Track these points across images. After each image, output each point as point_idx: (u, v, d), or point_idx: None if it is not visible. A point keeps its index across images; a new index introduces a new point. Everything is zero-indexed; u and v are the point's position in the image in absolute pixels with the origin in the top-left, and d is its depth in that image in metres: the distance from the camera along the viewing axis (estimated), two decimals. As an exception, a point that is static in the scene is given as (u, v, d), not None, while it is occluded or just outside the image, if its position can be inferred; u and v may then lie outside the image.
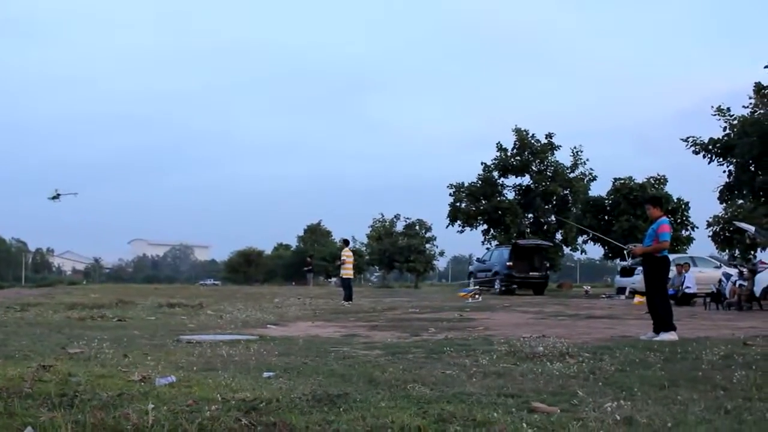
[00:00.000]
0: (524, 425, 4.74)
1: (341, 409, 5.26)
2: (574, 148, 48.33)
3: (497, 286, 37.61)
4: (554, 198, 47.88)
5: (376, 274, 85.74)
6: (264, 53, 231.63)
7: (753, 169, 34.98)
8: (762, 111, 34.10)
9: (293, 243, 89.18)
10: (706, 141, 36.04)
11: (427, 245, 67.32)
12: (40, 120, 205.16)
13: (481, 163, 48.54)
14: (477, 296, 26.55)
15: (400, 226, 68.50)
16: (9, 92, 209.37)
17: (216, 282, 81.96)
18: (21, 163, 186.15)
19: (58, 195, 53.22)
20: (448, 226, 49.58)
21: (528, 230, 47.51)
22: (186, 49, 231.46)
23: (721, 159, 36.03)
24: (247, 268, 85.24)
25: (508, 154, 48.07)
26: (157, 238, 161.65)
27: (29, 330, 13.42)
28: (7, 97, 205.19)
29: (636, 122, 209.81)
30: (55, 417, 4.85)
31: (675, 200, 42.65)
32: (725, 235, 38.63)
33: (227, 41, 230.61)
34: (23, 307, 19.84)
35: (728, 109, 35.48)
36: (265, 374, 7.25)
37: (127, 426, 4.57)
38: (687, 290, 25.15)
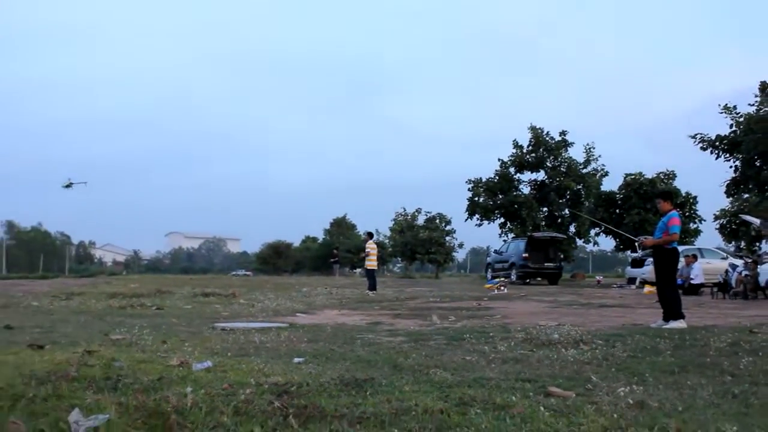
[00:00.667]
0: (541, 408, 4.73)
1: (368, 393, 5.27)
2: (587, 145, 48.11)
3: (513, 276, 37.53)
4: (568, 193, 47.64)
5: (398, 265, 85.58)
6: (285, 55, 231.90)
7: (758, 164, 34.85)
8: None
9: (320, 236, 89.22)
10: (713, 138, 35.89)
11: (447, 238, 67.02)
12: (84, 119, 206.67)
13: (498, 160, 48.43)
14: (503, 288, 26.43)
15: (421, 220, 68.26)
16: (53, 93, 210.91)
17: (247, 273, 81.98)
18: (65, 161, 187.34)
19: (71, 184, 54.56)
20: (466, 220, 49.45)
21: (543, 223, 47.28)
22: (214, 50, 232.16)
23: (727, 155, 35.91)
24: (276, 259, 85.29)
25: (524, 151, 47.85)
26: (193, 231, 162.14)
27: (74, 318, 13.56)
28: (52, 98, 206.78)
29: (646, 120, 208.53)
30: (100, 399, 4.89)
31: (684, 194, 42.35)
32: (732, 228, 38.28)
33: (251, 43, 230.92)
34: (68, 296, 20.02)
35: (734, 107, 35.34)
36: (296, 360, 7.27)
37: (168, 408, 4.60)
38: (693, 281, 24.99)
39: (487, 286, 29.18)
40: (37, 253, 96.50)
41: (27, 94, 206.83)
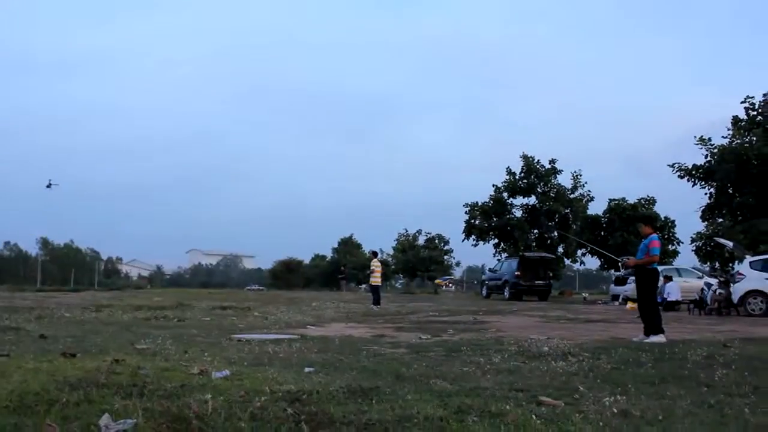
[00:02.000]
0: (533, 417, 4.73)
1: (373, 401, 5.27)
2: (574, 172, 48.10)
3: (506, 293, 37.49)
4: (557, 216, 47.58)
5: (400, 281, 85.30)
6: (298, 86, 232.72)
7: (731, 191, 34.96)
8: (739, 141, 34.01)
9: (329, 254, 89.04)
10: (690, 167, 35.98)
11: (446, 257, 66.94)
12: (109, 143, 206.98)
13: (493, 185, 48.43)
14: (450, 284, 26.17)
15: (422, 240, 68.37)
16: (83, 119, 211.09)
17: (261, 288, 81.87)
18: (96, 181, 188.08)
19: (50, 185, 57.99)
20: (463, 240, 49.46)
21: (534, 244, 47.20)
22: (232, 82, 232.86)
23: (703, 183, 36.00)
24: (288, 275, 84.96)
25: (517, 177, 47.92)
26: (211, 249, 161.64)
27: (103, 328, 13.54)
28: (80, 124, 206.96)
29: (629, 149, 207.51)
30: (127, 404, 4.90)
31: (663, 218, 42.45)
32: (707, 250, 38.22)
33: (266, 75, 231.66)
34: (97, 308, 19.99)
35: (709, 139, 35.53)
36: (306, 369, 7.26)
37: (189, 414, 4.60)
38: (668, 298, 24.92)
39: (437, 281, 28.66)
40: (69, 267, 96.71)
41: (64, 118, 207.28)
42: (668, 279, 25.98)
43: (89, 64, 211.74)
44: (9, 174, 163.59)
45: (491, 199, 48.37)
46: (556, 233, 47.58)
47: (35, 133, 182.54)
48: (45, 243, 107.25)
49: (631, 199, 44.46)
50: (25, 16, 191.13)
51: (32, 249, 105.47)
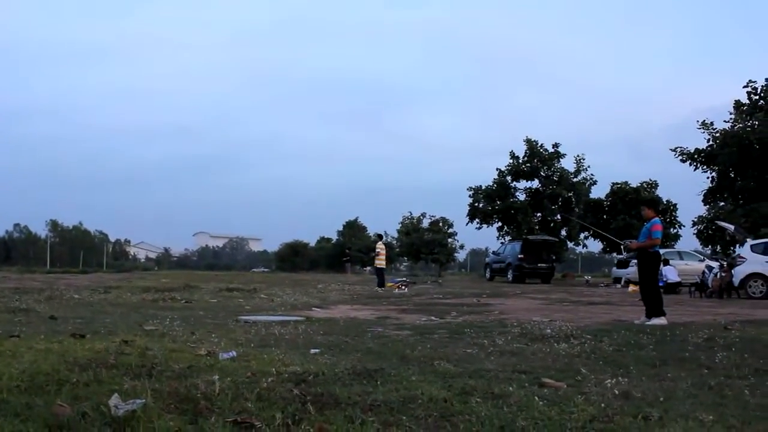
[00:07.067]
0: (535, 398, 4.74)
1: (378, 382, 5.28)
2: (577, 156, 48.12)
3: (510, 275, 37.49)
4: (560, 199, 47.55)
5: (404, 264, 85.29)
6: (306, 73, 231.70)
7: (733, 175, 34.98)
8: (741, 125, 33.94)
9: (334, 236, 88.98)
10: (692, 151, 35.95)
11: (449, 240, 67.01)
12: (119, 128, 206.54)
13: (497, 169, 48.41)
14: (403, 287, 25.86)
15: (425, 223, 68.39)
16: (95, 105, 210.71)
17: (267, 269, 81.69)
18: (105, 165, 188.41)
19: None
20: (467, 224, 49.49)
21: (537, 227, 47.24)
22: (243, 67, 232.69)
23: (705, 167, 36.04)
24: (294, 258, 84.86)
25: (520, 161, 47.85)
26: (218, 231, 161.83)
27: (111, 309, 13.59)
28: (92, 109, 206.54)
29: (631, 134, 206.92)
30: (136, 385, 4.92)
31: (665, 202, 42.37)
32: (708, 233, 38.18)
33: (275, 62, 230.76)
34: (106, 290, 20.01)
35: (711, 124, 35.51)
36: (312, 351, 7.28)
37: (197, 394, 4.62)
38: (668, 280, 24.84)
39: (389, 284, 27.47)
40: (78, 249, 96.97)
41: (72, 103, 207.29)
42: (665, 262, 25.97)
43: (104, 53, 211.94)
44: (18, 157, 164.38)
45: (495, 182, 48.35)
46: (559, 216, 47.58)
47: (45, 118, 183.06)
48: (54, 225, 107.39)
49: (634, 183, 44.40)
50: (51, 8, 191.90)
51: (41, 231, 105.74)
